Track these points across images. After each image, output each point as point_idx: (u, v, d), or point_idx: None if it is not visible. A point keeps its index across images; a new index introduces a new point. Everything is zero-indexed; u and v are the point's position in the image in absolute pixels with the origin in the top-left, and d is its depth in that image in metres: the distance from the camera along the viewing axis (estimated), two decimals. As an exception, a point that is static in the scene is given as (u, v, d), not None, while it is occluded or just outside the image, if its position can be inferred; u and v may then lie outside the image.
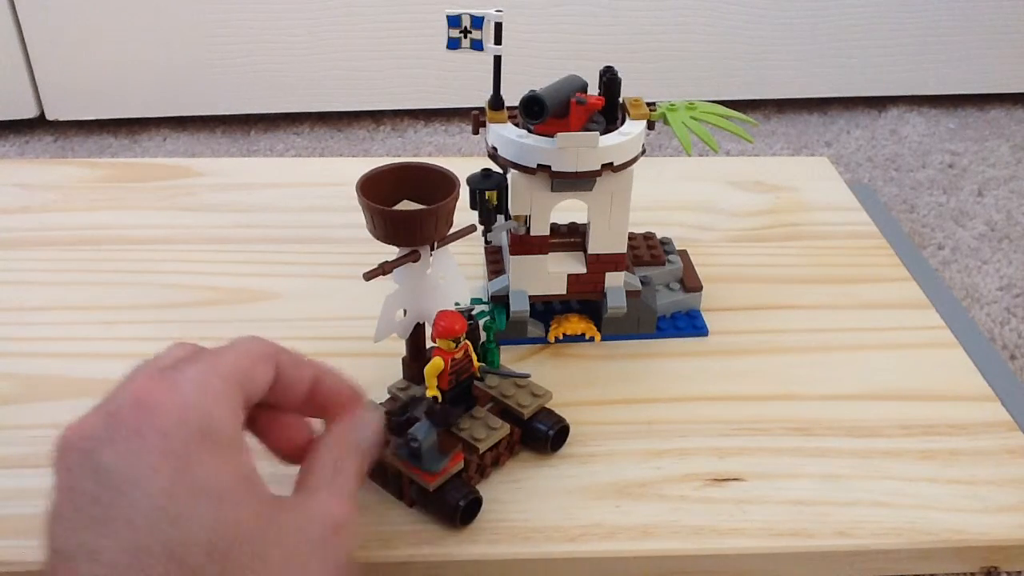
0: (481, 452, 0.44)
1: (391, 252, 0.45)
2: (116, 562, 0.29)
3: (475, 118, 0.52)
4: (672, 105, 0.53)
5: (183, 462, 0.31)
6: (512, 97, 0.50)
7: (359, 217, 0.44)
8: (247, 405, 0.35)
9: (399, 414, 0.42)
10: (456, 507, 0.42)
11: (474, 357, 0.44)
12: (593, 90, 0.51)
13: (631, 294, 0.55)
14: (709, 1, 0.90)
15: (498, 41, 0.48)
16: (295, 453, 0.39)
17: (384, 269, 0.44)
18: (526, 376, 0.48)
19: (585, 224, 0.54)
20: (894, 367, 0.55)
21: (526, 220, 0.52)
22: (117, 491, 0.30)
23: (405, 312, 0.47)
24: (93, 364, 0.54)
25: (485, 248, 0.59)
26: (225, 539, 0.30)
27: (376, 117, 0.96)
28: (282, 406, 0.39)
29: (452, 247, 0.46)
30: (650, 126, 0.52)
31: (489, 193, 0.49)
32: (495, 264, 0.57)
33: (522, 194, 0.51)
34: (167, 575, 0.29)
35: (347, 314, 0.57)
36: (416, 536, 0.43)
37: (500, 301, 0.54)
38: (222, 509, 0.30)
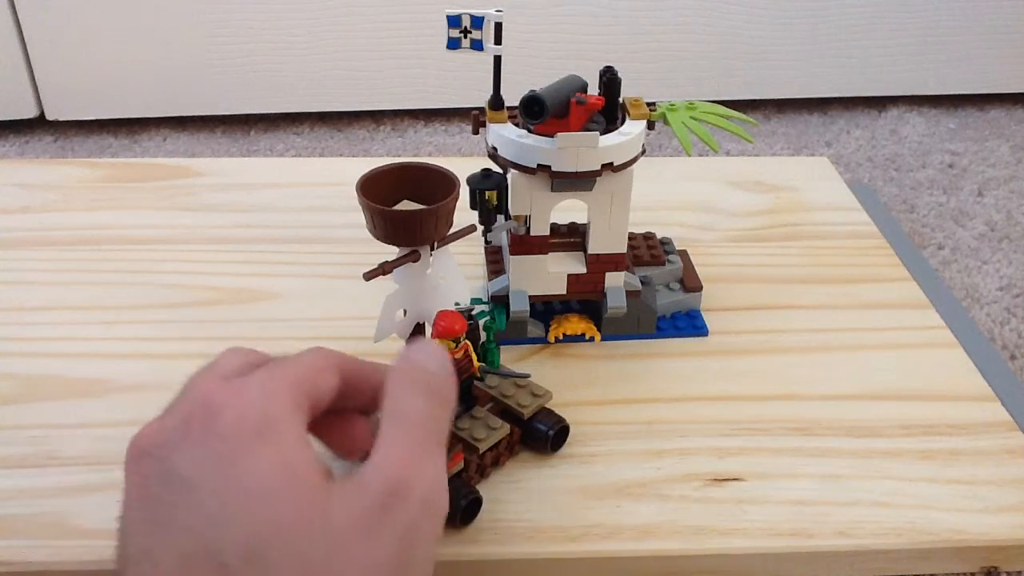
0: (481, 452, 0.44)
1: (391, 252, 0.45)
2: (170, 566, 0.29)
3: (475, 118, 0.52)
4: (672, 105, 0.53)
5: (234, 464, 0.30)
6: (512, 97, 0.50)
7: (359, 217, 0.44)
8: (312, 412, 0.34)
9: None
10: (456, 507, 0.42)
11: (474, 357, 0.44)
12: (593, 90, 0.51)
13: (631, 294, 0.55)
14: (709, 1, 0.90)
15: (498, 41, 0.48)
16: (360, 453, 0.38)
17: (384, 269, 0.44)
18: (526, 376, 0.48)
19: (585, 224, 0.54)
20: (894, 367, 0.55)
21: (526, 220, 0.52)
22: (179, 496, 0.30)
23: (405, 312, 0.47)
24: (93, 364, 0.54)
25: (485, 248, 0.59)
26: (264, 540, 0.29)
27: (376, 117, 0.96)
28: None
29: (452, 247, 0.46)
30: (650, 126, 0.52)
31: (489, 193, 0.49)
32: (495, 264, 0.57)
33: (522, 194, 0.51)
34: None
35: (347, 314, 0.57)
36: (416, 536, 0.43)
37: (500, 301, 0.54)
38: (263, 509, 0.30)
